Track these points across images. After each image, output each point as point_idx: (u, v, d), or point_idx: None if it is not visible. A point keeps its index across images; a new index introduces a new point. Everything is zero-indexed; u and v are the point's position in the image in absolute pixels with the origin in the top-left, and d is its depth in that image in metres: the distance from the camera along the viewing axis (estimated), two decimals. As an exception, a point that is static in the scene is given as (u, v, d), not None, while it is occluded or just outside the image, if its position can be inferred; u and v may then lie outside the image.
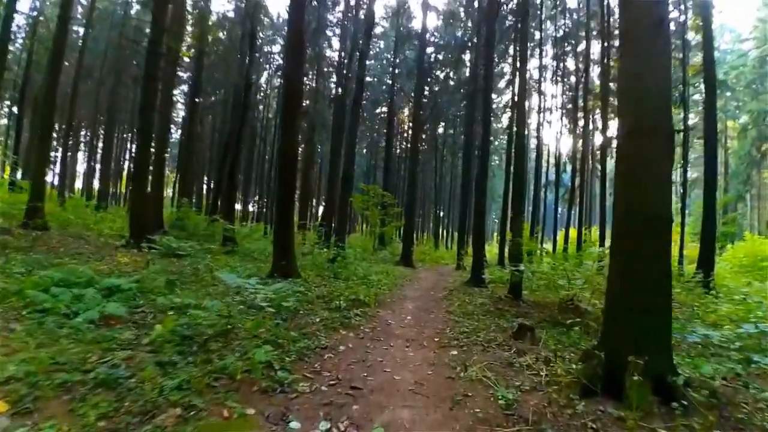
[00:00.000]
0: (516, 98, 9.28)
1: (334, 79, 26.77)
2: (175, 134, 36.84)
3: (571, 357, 4.02)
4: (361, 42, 12.23)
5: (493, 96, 26.22)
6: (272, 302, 4.42)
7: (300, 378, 3.29)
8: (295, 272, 7.78)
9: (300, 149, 34.10)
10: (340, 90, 23.95)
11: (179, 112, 35.76)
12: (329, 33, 26.15)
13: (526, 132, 9.25)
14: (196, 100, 23.78)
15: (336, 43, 26.09)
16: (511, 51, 24.92)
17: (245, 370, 3.10)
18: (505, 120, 30.62)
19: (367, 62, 36.07)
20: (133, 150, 33.52)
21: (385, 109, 33.03)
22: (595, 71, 25.85)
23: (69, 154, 38.32)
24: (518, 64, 12.05)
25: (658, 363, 2.96)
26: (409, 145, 30.58)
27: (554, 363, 3.78)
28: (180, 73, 30.86)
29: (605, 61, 20.11)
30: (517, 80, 20.96)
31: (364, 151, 48.04)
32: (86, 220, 15.46)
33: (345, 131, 13.86)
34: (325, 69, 27.99)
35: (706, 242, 11.95)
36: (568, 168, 28.49)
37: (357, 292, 6.59)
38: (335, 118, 21.70)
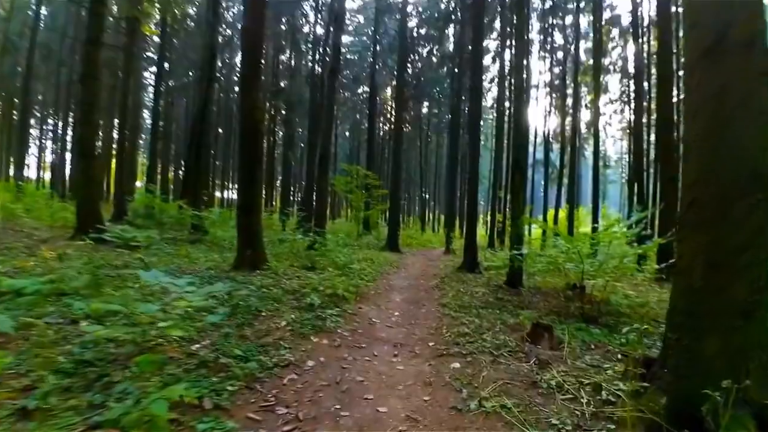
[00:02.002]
0: (514, 58, 8.23)
1: (312, 57, 25.15)
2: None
3: (609, 371, 3.06)
4: (336, 3, 10.92)
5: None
6: (195, 311, 3.34)
7: (239, 425, 2.24)
8: (264, 262, 6.67)
9: (280, 132, 32.57)
10: (317, 67, 22.51)
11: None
12: (305, 6, 24.46)
13: (525, 96, 8.26)
14: (170, 83, 22.09)
15: (312, 16, 24.43)
16: (496, 25, 23.75)
17: (147, 420, 2.04)
18: (490, 99, 29.52)
19: (347, 39, 34.48)
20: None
21: (367, 88, 31.56)
22: (583, 45, 25.00)
23: (42, 142, 35.91)
24: (514, 21, 10.92)
25: (764, 389, 2.01)
26: (392, 126, 29.32)
27: (591, 380, 2.83)
28: (150, 54, 28.78)
29: (597, 36, 19.15)
30: (512, 49, 19.92)
31: (347, 133, 46.53)
32: (41, 211, 13.96)
33: (322, 106, 12.62)
34: (303, 48, 26.31)
35: None
36: (554, 147, 27.79)
37: (335, 285, 5.56)
38: (312, 96, 20.36)
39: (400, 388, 2.94)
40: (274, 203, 32.32)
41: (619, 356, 3.53)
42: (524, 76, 7.80)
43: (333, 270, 7.30)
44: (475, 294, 6.53)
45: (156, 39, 22.60)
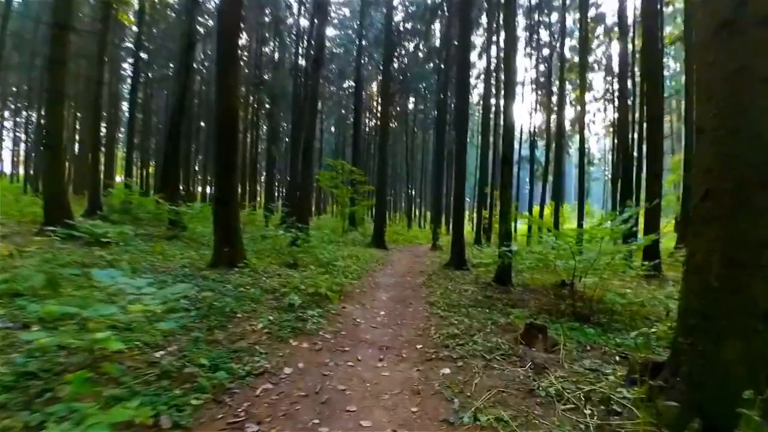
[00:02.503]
0: (503, 49, 8.02)
1: (296, 50, 24.56)
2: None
3: (611, 376, 2.86)
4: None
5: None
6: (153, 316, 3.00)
7: (201, 447, 1.95)
8: (243, 260, 6.32)
9: (264, 127, 31.83)
10: (301, 60, 21.99)
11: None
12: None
13: (514, 87, 8.05)
14: (149, 75, 21.27)
15: (296, 6, 23.85)
16: (483, 21, 23.58)
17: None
18: (476, 95, 29.40)
19: (332, 32, 33.91)
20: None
21: (352, 83, 31.12)
22: (569, 42, 25.06)
23: (16, 135, 34.25)
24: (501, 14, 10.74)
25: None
26: (378, 121, 28.98)
27: (592, 386, 2.62)
28: (130, 44, 27.70)
29: (583, 33, 19.16)
30: (502, 34, 19.74)
31: (333, 128, 45.98)
32: (11, 206, 13.23)
33: (306, 98, 12.22)
34: (287, 41, 25.70)
35: None
36: (539, 144, 27.88)
37: (317, 284, 5.26)
38: (296, 89, 19.87)
39: (385, 397, 2.69)
40: (258, 199, 31.72)
41: (617, 358, 3.35)
42: (515, 67, 7.58)
43: (316, 267, 7.00)
44: (464, 292, 6.32)
45: (135, 29, 21.76)
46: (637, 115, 16.61)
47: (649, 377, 2.45)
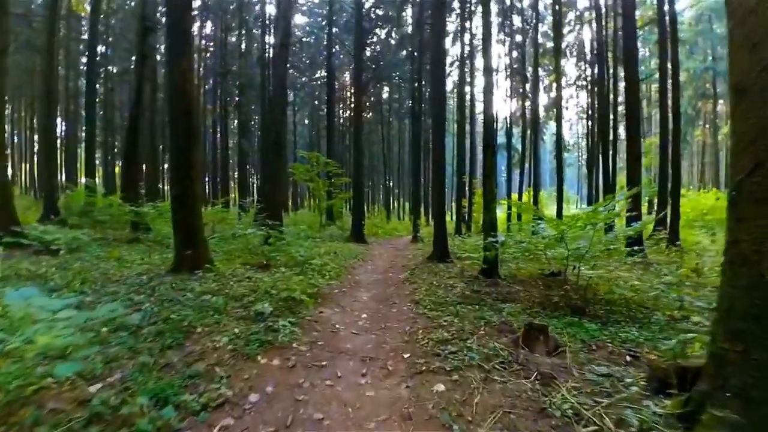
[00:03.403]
0: (482, 30, 7.60)
1: (262, 39, 23.47)
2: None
3: (633, 386, 2.49)
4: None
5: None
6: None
7: None
8: (207, 263, 5.73)
9: (235, 121, 30.54)
10: (269, 49, 21.03)
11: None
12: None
13: (492, 69, 7.67)
14: (109, 69, 19.74)
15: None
16: (455, 5, 23.14)
17: None
18: (449, 83, 29.00)
19: (302, 20, 32.79)
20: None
21: (325, 73, 30.20)
22: (541, 28, 24.95)
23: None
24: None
25: None
26: (352, 112, 28.26)
27: (613, 400, 2.24)
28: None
29: (557, 18, 19.01)
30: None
31: (306, 120, 44.88)
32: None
33: (274, 84, 11.51)
34: (254, 30, 24.53)
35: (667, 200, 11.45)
36: (515, 131, 27.86)
37: (291, 287, 4.75)
38: (263, 78, 18.98)
39: (371, 426, 2.24)
40: (231, 195, 30.53)
41: (628, 358, 3.01)
42: (491, 52, 7.19)
43: (291, 268, 6.47)
44: (450, 287, 5.93)
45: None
46: (611, 97, 16.62)
47: (678, 387, 2.09)
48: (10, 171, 35.42)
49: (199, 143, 6.38)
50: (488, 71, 7.32)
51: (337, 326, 4.16)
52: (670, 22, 12.10)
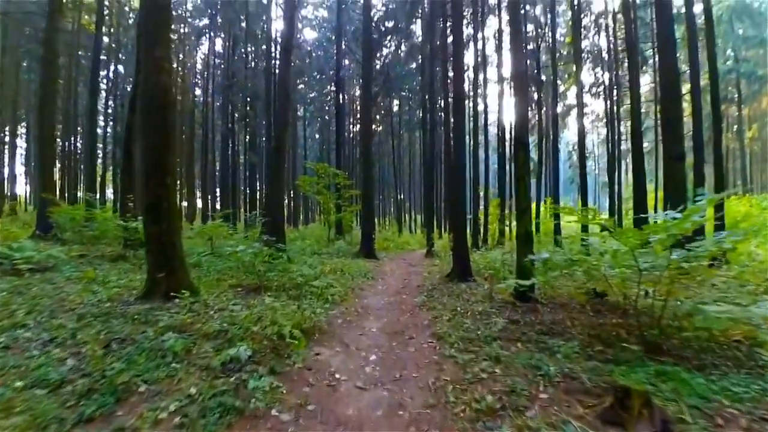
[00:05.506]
0: (511, 29, 6.64)
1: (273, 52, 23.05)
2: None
3: None
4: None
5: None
6: None
7: None
8: (185, 287, 4.73)
9: (245, 138, 30.07)
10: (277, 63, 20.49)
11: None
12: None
13: (524, 69, 6.69)
14: (111, 75, 19.44)
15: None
16: (466, 12, 22.42)
17: None
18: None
19: (310, 35, 32.54)
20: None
21: (334, 88, 29.70)
22: (559, 32, 24.06)
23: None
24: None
25: None
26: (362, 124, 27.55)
27: None
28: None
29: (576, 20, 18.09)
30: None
31: (317, 135, 44.45)
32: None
33: (276, 86, 10.71)
34: (260, 36, 24.18)
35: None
36: (530, 140, 26.72)
37: (279, 321, 3.73)
38: (268, 89, 18.35)
39: None
40: (239, 209, 29.84)
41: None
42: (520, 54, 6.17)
43: (287, 291, 5.46)
44: (479, 316, 4.83)
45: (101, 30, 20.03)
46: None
47: None
48: (23, 185, 35.42)
49: (175, 145, 5.49)
50: (518, 75, 6.33)
51: (336, 376, 3.12)
52: (705, 14, 11.08)
